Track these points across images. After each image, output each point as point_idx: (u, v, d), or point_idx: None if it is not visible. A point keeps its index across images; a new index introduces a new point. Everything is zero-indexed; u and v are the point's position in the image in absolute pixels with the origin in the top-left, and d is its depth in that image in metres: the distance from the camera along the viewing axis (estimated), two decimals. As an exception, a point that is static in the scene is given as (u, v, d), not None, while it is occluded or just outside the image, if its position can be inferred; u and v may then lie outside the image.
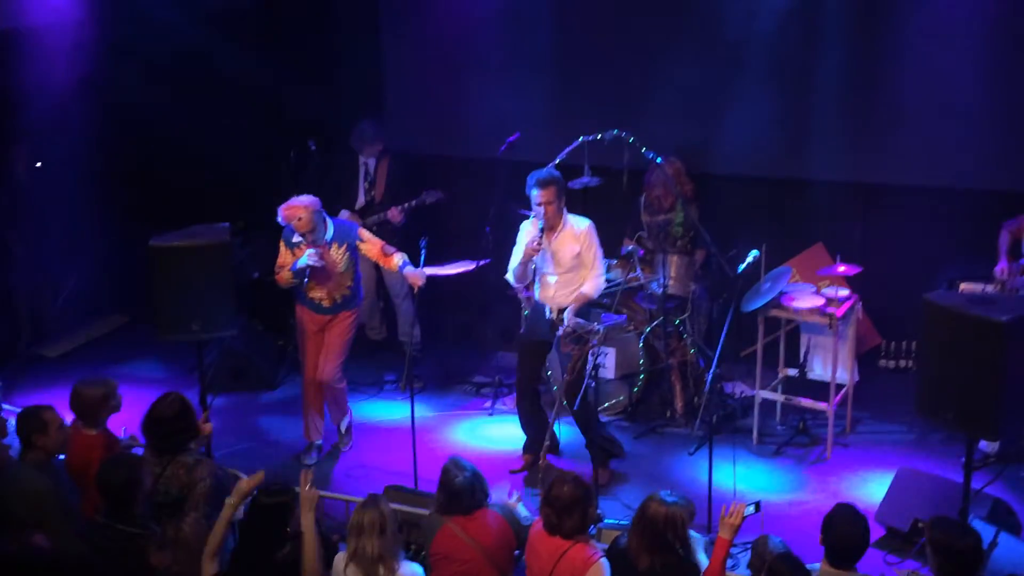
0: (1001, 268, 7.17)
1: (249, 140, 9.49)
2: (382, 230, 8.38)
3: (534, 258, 6.85)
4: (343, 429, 7.60)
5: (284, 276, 7.12)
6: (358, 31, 9.63)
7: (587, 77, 8.89)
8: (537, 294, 7.10)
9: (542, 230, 6.79)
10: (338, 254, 7.08)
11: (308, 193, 7.07)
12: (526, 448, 7.30)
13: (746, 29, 8.19)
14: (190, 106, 9.36)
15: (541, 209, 6.77)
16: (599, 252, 6.96)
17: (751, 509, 5.06)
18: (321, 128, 9.00)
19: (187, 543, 4.86)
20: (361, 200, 8.65)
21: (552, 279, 6.95)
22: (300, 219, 6.89)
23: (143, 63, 9.24)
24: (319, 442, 7.49)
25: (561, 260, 6.89)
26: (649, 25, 8.65)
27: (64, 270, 9.55)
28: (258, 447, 7.67)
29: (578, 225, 6.91)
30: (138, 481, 5.13)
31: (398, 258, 7.15)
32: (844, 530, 4.80)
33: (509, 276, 7.08)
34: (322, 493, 6.40)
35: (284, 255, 7.15)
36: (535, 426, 7.13)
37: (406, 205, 8.49)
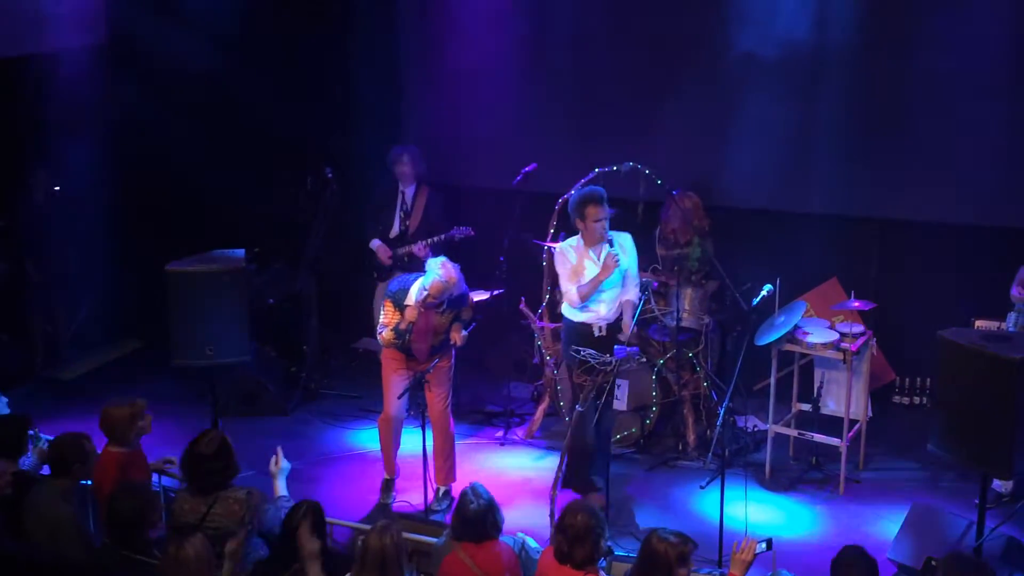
0: (1017, 295, 7.12)
1: (267, 167, 9.56)
2: (410, 263, 8.38)
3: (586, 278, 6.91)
4: (442, 492, 7.27)
5: (387, 337, 6.92)
6: (375, 60, 9.70)
7: (603, 109, 8.93)
8: (579, 317, 7.05)
9: (611, 243, 6.86)
10: (443, 318, 6.97)
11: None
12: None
13: (762, 62, 8.24)
14: (208, 132, 9.43)
15: (603, 226, 6.84)
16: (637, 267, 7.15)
17: (763, 547, 5.04)
18: (339, 157, 9.05)
19: (187, 563, 4.83)
20: (396, 229, 8.58)
21: (607, 296, 6.97)
22: (447, 283, 6.72)
23: (161, 89, 9.31)
24: (396, 477, 7.41)
25: (614, 277, 6.94)
26: (665, 59, 8.70)
27: (80, 294, 9.61)
28: (267, 474, 7.65)
29: (626, 242, 7.01)
30: (147, 510, 5.13)
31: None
32: (851, 573, 4.77)
33: (570, 302, 7.00)
34: (332, 520, 6.44)
35: (391, 314, 6.92)
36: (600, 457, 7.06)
37: (434, 240, 8.40)
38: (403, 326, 6.81)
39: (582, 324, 7.04)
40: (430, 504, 7.05)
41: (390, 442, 7.29)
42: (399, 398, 7.06)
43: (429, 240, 8.41)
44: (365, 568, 4.89)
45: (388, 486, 7.38)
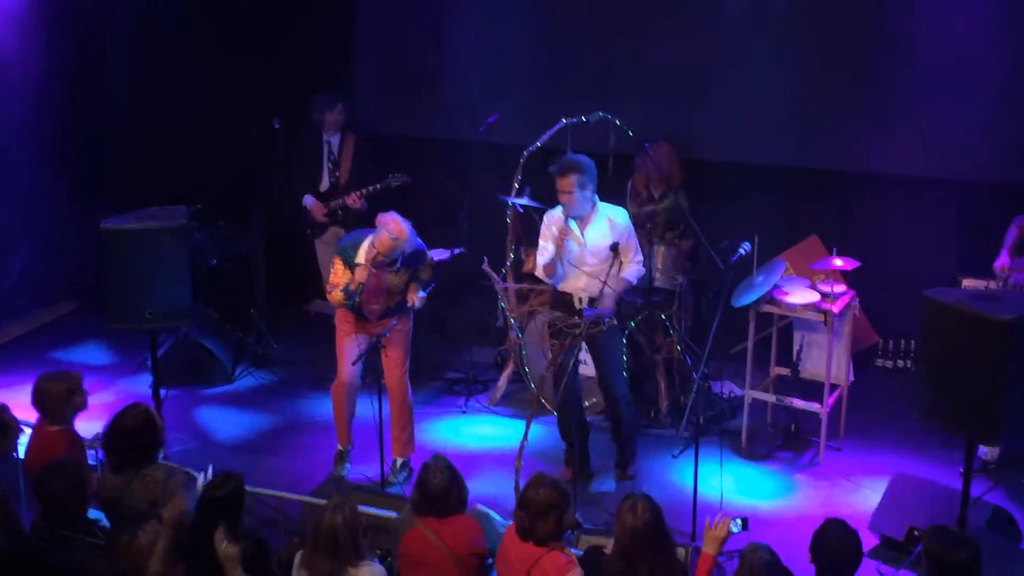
0: (1001, 264, 7.18)
1: (208, 118, 9.43)
2: (345, 216, 8.32)
3: (566, 249, 6.83)
4: (400, 464, 7.28)
5: (337, 297, 6.85)
6: (326, 3, 9.57)
7: (571, 55, 8.86)
8: (560, 285, 7.02)
9: (567, 219, 6.77)
10: (397, 278, 6.90)
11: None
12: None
13: (739, 6, 8.19)
14: (146, 81, 9.30)
15: (563, 198, 6.72)
16: (637, 243, 6.96)
17: (738, 526, 5.04)
18: (285, 106, 8.94)
19: (140, 552, 4.79)
20: (326, 183, 8.54)
21: (586, 269, 6.91)
22: (396, 239, 6.62)
23: (96, 36, 9.18)
24: (351, 448, 7.35)
25: (597, 252, 6.85)
26: (636, 6, 8.64)
27: (12, 252, 9.47)
28: (211, 445, 7.63)
29: (616, 217, 6.90)
30: (79, 489, 5.07)
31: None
32: (834, 547, 4.78)
33: (539, 272, 7.03)
34: (282, 494, 6.41)
35: (340, 273, 6.83)
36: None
37: (369, 189, 8.33)
38: (352, 286, 6.75)
39: (563, 292, 7.03)
40: (387, 476, 7.02)
41: (344, 411, 7.24)
42: (353, 364, 7.00)
43: (363, 191, 8.34)
44: (317, 548, 4.85)
45: (342, 457, 7.33)
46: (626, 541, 4.84)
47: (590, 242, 6.82)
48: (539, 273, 7.06)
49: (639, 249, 6.99)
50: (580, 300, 6.95)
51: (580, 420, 7.23)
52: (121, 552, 4.77)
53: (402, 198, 8.42)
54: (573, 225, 6.80)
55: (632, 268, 6.94)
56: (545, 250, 6.89)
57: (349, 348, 7.05)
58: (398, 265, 6.80)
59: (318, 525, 4.87)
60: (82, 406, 5.97)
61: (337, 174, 8.52)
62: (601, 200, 6.87)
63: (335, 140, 8.54)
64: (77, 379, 5.96)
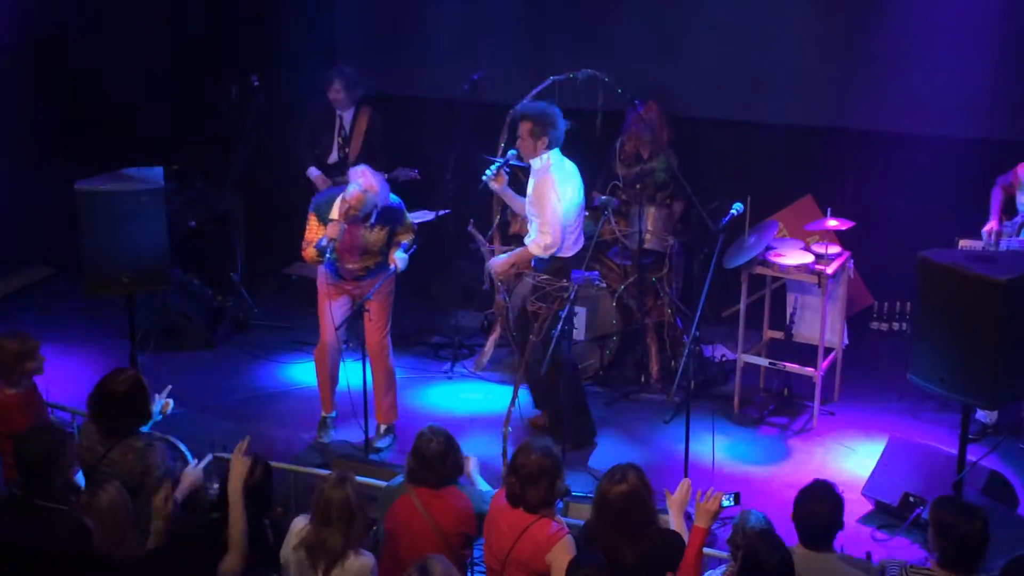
0: (990, 228, 7.18)
1: (186, 75, 9.37)
2: None
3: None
4: (384, 430, 7.30)
5: (310, 253, 6.85)
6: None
7: (558, 10, 8.82)
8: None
9: (504, 165, 6.89)
10: (379, 234, 6.91)
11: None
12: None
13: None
14: (122, 39, 9.22)
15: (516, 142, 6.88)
16: (553, 212, 6.80)
17: (730, 501, 5.06)
18: (264, 62, 8.88)
19: (101, 512, 4.80)
20: (334, 156, 8.47)
21: (530, 222, 7.00)
22: (365, 192, 6.63)
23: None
24: (334, 414, 7.37)
25: (525, 201, 6.95)
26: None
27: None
28: (193, 413, 7.62)
29: (540, 173, 6.88)
30: (59, 453, 5.05)
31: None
32: (810, 508, 4.81)
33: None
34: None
35: (313, 229, 6.82)
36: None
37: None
38: (325, 241, 6.76)
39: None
40: (371, 439, 7.05)
41: (327, 376, 7.26)
42: (337, 329, 7.02)
43: None
44: (331, 524, 4.82)
45: (325, 424, 7.35)
46: (605, 510, 4.87)
47: (528, 192, 6.95)
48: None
49: (551, 217, 6.80)
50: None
51: (575, 389, 7.14)
52: (85, 510, 4.78)
53: (392, 183, 8.37)
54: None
55: (534, 240, 6.91)
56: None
57: (331, 311, 7.07)
58: (372, 220, 6.81)
59: (327, 501, 4.84)
60: (38, 371, 5.96)
61: (347, 150, 8.44)
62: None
63: (347, 115, 8.45)
64: (32, 343, 5.93)
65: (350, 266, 6.96)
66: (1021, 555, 4.70)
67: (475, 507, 5.32)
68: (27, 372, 5.92)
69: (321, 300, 7.12)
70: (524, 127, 6.81)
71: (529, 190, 6.95)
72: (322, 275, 7.08)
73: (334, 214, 6.77)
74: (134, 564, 4.86)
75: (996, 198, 7.27)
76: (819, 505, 4.79)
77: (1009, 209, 7.25)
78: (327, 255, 6.79)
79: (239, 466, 5.00)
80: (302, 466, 6.46)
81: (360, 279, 7.01)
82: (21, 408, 5.78)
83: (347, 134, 8.46)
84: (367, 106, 8.50)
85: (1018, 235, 7.11)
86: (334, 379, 7.28)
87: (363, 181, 6.66)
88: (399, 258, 6.95)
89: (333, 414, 7.35)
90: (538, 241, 6.89)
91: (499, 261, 7.13)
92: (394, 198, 6.92)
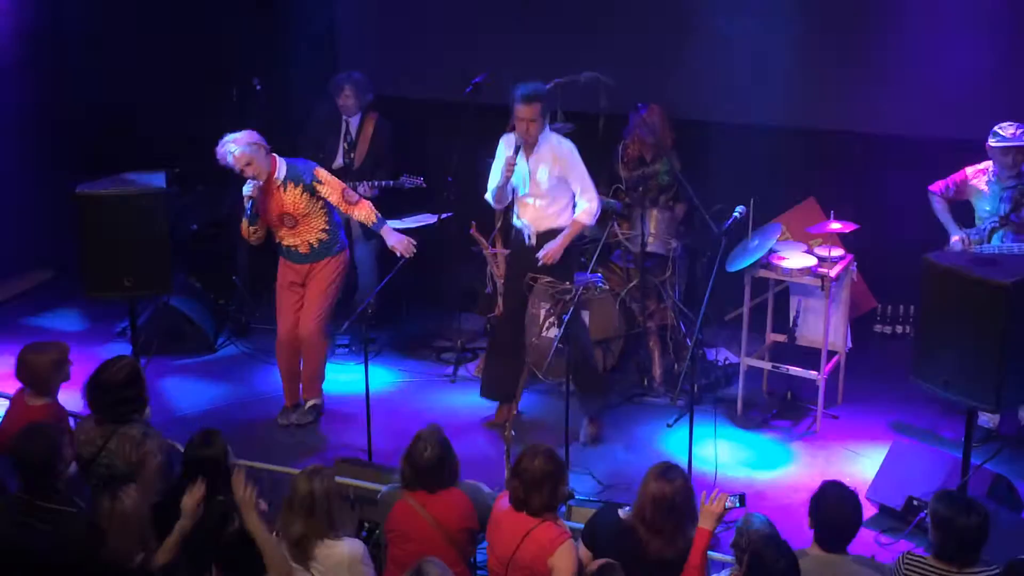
0: (960, 238, 7.17)
1: (187, 78, 9.38)
2: None
3: (512, 179, 6.92)
4: (308, 405, 7.48)
5: (243, 226, 7.07)
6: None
7: (561, 13, 8.83)
8: (516, 218, 7.15)
9: (518, 148, 6.86)
10: (294, 194, 7.02)
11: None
12: (501, 399, 7.35)
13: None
14: (122, 40, 9.23)
15: (524, 127, 6.82)
16: (586, 173, 6.97)
17: (735, 502, 5.07)
18: (266, 66, 8.90)
19: (124, 517, 4.81)
20: (339, 161, 8.47)
21: (531, 201, 6.99)
22: (232, 154, 6.83)
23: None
24: (302, 402, 7.48)
25: (539, 181, 6.92)
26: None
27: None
28: (195, 416, 7.65)
29: (557, 146, 6.94)
30: (57, 454, 5.06)
31: (368, 211, 7.13)
32: (833, 510, 4.83)
33: (488, 196, 7.16)
34: (262, 465, 6.45)
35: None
36: (512, 372, 7.05)
37: (382, 184, 8.31)
38: (248, 207, 6.90)
39: (519, 227, 7.16)
40: (286, 409, 7.38)
41: (285, 367, 7.38)
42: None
43: (374, 183, 8.32)
44: (292, 511, 4.96)
45: (286, 411, 7.47)
46: (647, 506, 4.92)
47: (536, 172, 6.93)
48: (487, 197, 7.15)
49: (586, 178, 6.98)
50: (529, 237, 7.05)
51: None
52: (104, 516, 4.78)
53: (397, 189, 8.37)
54: (520, 155, 6.92)
55: (586, 208, 6.97)
56: (493, 178, 7.03)
57: (284, 300, 7.22)
58: (281, 181, 6.97)
59: (294, 490, 4.98)
60: (67, 377, 5.98)
61: (352, 155, 8.45)
62: (591, 160, 6.94)
63: (354, 121, 8.46)
64: (63, 349, 5.98)
65: (288, 243, 7.08)
66: (1022, 559, 4.72)
67: (471, 497, 5.34)
68: (61, 379, 5.94)
69: (279, 290, 7.26)
70: (535, 108, 6.80)
71: (546, 168, 6.93)
72: (279, 264, 7.25)
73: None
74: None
75: (943, 209, 7.26)
76: (842, 507, 4.83)
77: (956, 217, 7.24)
78: (254, 219, 6.96)
79: (247, 498, 5.00)
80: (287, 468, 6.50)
81: (307, 259, 7.13)
82: (49, 420, 5.71)
83: (353, 139, 8.47)
84: (374, 112, 8.52)
85: (988, 241, 7.10)
86: (292, 371, 7.38)
87: (238, 139, 6.90)
88: (396, 242, 7.07)
89: (300, 403, 7.47)
90: (588, 209, 6.97)
91: (554, 247, 6.97)
92: (294, 161, 7.11)
